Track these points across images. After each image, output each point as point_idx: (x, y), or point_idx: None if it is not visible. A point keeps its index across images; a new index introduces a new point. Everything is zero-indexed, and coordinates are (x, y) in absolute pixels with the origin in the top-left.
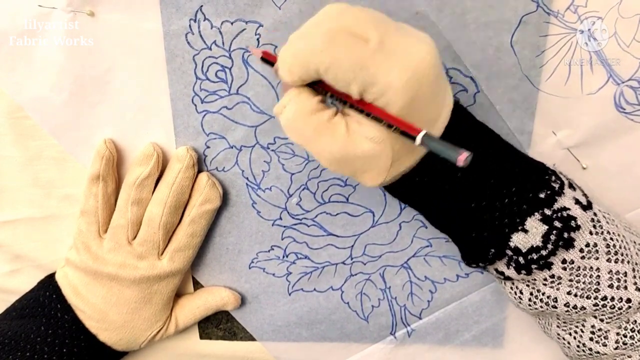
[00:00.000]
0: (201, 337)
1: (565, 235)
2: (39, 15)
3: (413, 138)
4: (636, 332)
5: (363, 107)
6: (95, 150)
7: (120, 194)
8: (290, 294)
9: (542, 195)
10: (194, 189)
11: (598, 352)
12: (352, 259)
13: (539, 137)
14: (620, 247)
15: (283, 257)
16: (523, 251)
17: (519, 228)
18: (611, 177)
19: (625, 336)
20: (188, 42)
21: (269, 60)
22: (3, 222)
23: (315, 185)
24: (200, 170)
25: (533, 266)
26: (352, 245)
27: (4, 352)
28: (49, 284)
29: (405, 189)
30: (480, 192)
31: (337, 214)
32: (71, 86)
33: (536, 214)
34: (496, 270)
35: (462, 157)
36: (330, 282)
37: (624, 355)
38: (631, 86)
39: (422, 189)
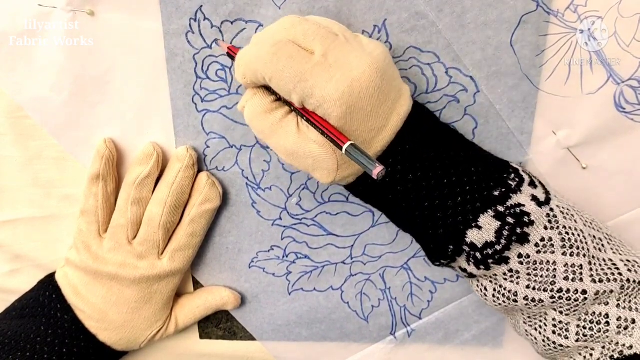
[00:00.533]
0: (201, 337)
1: (518, 230)
2: (39, 15)
3: (342, 148)
4: (595, 324)
5: (304, 114)
6: (95, 149)
7: (120, 193)
8: (290, 294)
9: (496, 193)
10: (194, 188)
11: (562, 346)
12: (352, 258)
13: (539, 136)
14: (576, 241)
15: (283, 256)
16: (479, 247)
17: (473, 225)
18: (611, 177)
19: (585, 328)
20: (188, 41)
21: (233, 56)
22: (3, 222)
23: (315, 184)
24: (200, 170)
25: (489, 261)
26: (352, 245)
27: (4, 352)
28: (49, 284)
29: (363, 189)
30: (433, 192)
31: (337, 213)
32: (71, 86)
33: (489, 210)
34: (460, 267)
35: (376, 171)
36: (330, 281)
37: (587, 347)
38: (631, 86)
39: (378, 190)
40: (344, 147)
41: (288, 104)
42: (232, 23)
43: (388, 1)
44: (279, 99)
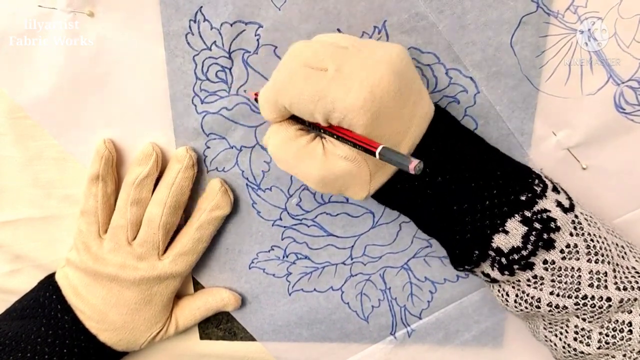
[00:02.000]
0: (201, 338)
1: (545, 236)
2: (39, 15)
3: (374, 153)
4: (617, 332)
5: (332, 131)
6: (95, 150)
7: (120, 194)
8: (290, 294)
9: (523, 198)
10: (205, 194)
11: (582, 352)
12: (352, 259)
13: (539, 137)
14: (600, 249)
15: (283, 257)
16: (504, 252)
17: (500, 229)
18: (611, 177)
19: (607, 335)
20: (188, 43)
21: None
22: (3, 222)
23: None
24: (199, 171)
25: (515, 266)
26: (352, 246)
27: (4, 353)
28: (49, 284)
29: (391, 195)
30: (462, 195)
31: (337, 214)
32: (71, 86)
33: (516, 215)
34: (483, 272)
35: (412, 166)
36: (330, 282)
37: (608, 355)
38: (631, 86)
39: (406, 194)
40: (377, 151)
41: (313, 128)
42: (231, 25)
43: (388, 2)
44: (302, 128)
